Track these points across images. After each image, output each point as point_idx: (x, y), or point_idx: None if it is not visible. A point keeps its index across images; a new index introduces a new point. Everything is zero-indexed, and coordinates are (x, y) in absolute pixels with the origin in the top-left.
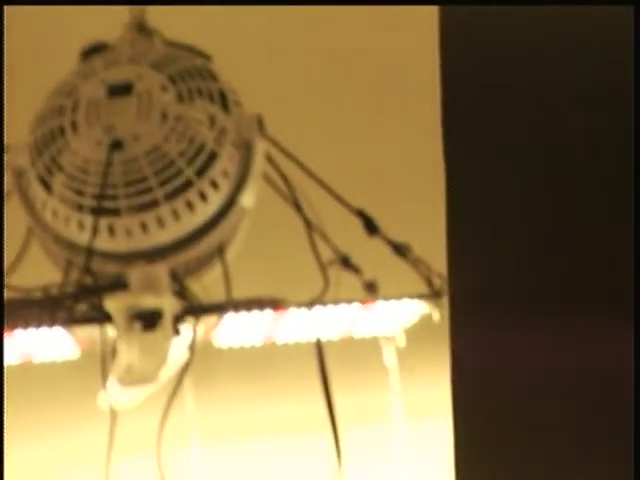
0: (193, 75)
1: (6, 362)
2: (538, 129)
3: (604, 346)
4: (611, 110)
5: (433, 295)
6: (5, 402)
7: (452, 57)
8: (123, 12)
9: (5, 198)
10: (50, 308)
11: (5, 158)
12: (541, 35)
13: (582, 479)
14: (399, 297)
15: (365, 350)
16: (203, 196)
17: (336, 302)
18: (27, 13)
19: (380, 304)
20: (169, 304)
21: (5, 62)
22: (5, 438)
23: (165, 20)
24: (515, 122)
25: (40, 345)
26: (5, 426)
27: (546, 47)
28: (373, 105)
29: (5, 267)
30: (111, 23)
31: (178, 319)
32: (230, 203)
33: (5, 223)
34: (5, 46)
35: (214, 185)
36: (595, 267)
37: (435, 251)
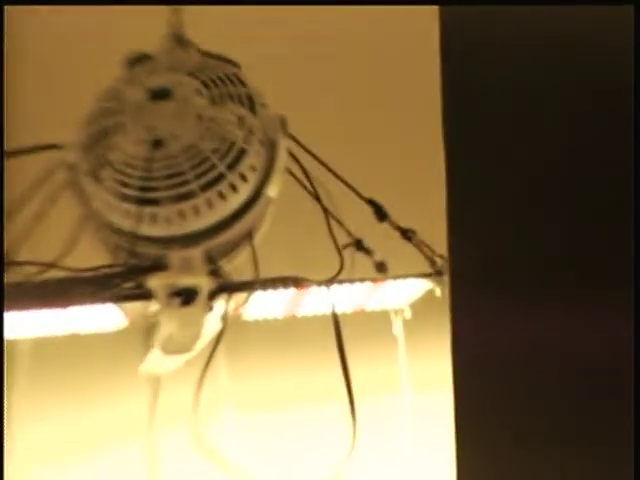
0: (224, 81)
1: (62, 333)
2: (537, 117)
3: (600, 321)
4: (611, 105)
5: (435, 273)
6: (57, 369)
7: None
8: (162, 25)
9: (59, 190)
10: (100, 286)
11: (59, 155)
12: (541, 34)
13: (582, 448)
14: (405, 275)
15: (376, 322)
16: (234, 187)
17: (350, 280)
18: (76, 26)
19: (389, 282)
20: (204, 282)
21: (56, 71)
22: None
23: (200, 32)
24: (514, 108)
25: (92, 318)
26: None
27: (546, 46)
28: (380, 106)
29: (62, 250)
30: (152, 35)
31: (212, 295)
32: (257, 194)
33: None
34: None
35: (243, 178)
36: (593, 246)
37: (437, 235)
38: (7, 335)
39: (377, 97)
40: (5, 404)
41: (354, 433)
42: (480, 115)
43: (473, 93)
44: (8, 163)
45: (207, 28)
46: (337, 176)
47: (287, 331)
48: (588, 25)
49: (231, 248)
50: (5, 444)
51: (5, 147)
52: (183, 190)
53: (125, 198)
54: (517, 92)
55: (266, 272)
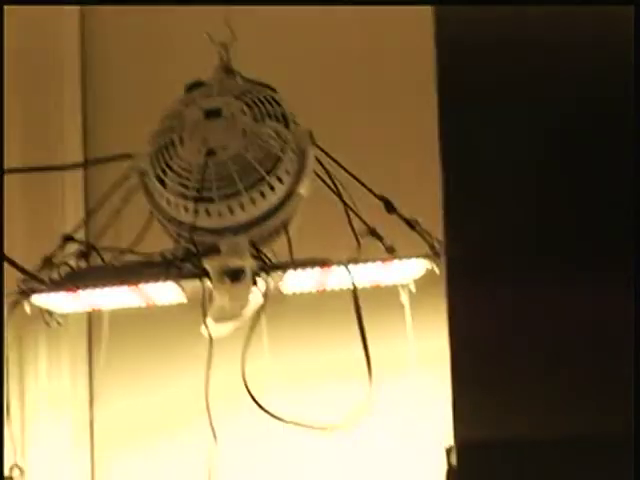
0: (264, 102)
1: (134, 305)
2: (529, 103)
3: (579, 298)
4: (604, 85)
5: (434, 255)
6: (131, 335)
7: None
8: (214, 58)
9: (132, 191)
10: (166, 267)
11: (131, 164)
12: (543, 33)
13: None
14: (410, 257)
15: (387, 295)
16: (272, 188)
17: (366, 260)
18: (147, 58)
19: (396, 262)
20: (249, 264)
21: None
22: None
23: (244, 63)
24: (507, 97)
25: (159, 293)
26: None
27: (546, 46)
28: (385, 117)
29: (134, 239)
30: (206, 66)
31: (255, 274)
32: (291, 192)
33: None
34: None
35: (279, 180)
36: (578, 228)
37: (436, 224)
38: (93, 307)
39: (383, 110)
40: (90, 368)
41: (370, 384)
42: (473, 97)
43: (470, 93)
44: (93, 168)
45: (250, 60)
46: (355, 177)
47: (317, 303)
48: (588, 24)
49: (270, 236)
50: (90, 404)
51: (90, 156)
52: (231, 190)
53: (185, 197)
54: (513, 85)
55: (298, 254)
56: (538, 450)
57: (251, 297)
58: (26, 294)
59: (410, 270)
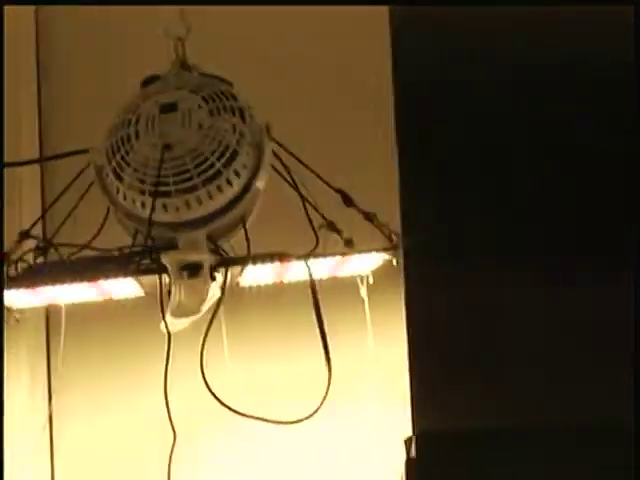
0: (220, 96)
1: (92, 300)
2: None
3: (526, 287)
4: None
5: (392, 248)
6: (88, 329)
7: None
8: (170, 53)
9: (89, 187)
10: (123, 263)
11: (89, 158)
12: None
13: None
14: (369, 250)
15: (346, 286)
16: (229, 182)
17: (324, 255)
18: (101, 52)
19: (355, 255)
20: (207, 258)
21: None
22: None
23: (200, 57)
24: (466, 107)
25: (116, 288)
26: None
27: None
28: (344, 112)
29: (94, 235)
30: (162, 61)
31: (213, 269)
32: (248, 186)
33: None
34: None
35: (237, 174)
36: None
37: (393, 217)
38: (50, 302)
39: (340, 105)
40: (48, 363)
41: (329, 376)
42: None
43: (423, 94)
44: (49, 164)
45: (206, 53)
46: (312, 171)
47: (275, 295)
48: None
49: (228, 230)
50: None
51: (46, 152)
52: (188, 185)
53: (142, 192)
54: (470, 77)
55: (256, 249)
56: (498, 439)
57: (209, 292)
58: None
59: (368, 262)
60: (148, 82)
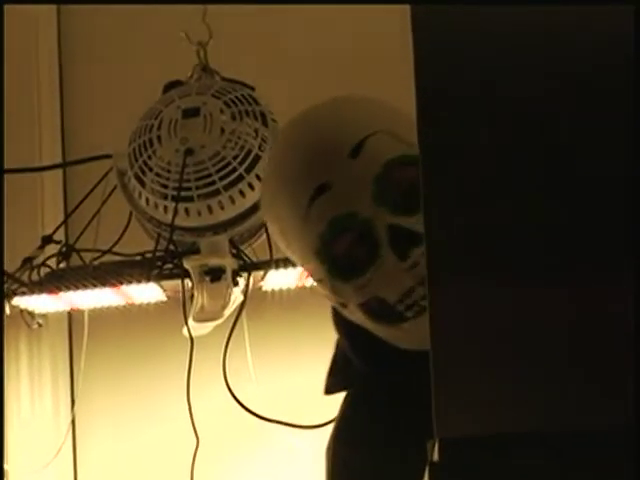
0: (242, 101)
1: (113, 304)
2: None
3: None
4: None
5: None
6: (111, 334)
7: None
8: (193, 58)
9: (112, 192)
10: (146, 268)
11: (111, 163)
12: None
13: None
14: None
15: None
16: (251, 186)
17: None
18: (126, 59)
19: None
20: (229, 263)
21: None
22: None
23: (222, 62)
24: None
25: (139, 293)
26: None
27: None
28: None
29: (116, 240)
30: (184, 66)
31: (236, 273)
32: None
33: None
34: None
35: (258, 178)
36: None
37: None
38: (73, 307)
39: None
40: (71, 368)
41: None
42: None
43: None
44: (72, 169)
45: (228, 58)
46: None
47: (297, 300)
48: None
49: (250, 235)
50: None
51: (69, 157)
52: (210, 189)
53: (164, 196)
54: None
55: (278, 253)
56: (522, 445)
57: (232, 296)
58: (6, 295)
59: None
60: (170, 87)
